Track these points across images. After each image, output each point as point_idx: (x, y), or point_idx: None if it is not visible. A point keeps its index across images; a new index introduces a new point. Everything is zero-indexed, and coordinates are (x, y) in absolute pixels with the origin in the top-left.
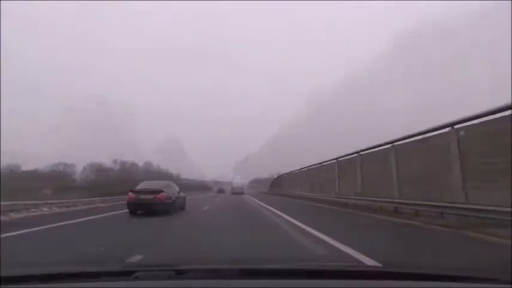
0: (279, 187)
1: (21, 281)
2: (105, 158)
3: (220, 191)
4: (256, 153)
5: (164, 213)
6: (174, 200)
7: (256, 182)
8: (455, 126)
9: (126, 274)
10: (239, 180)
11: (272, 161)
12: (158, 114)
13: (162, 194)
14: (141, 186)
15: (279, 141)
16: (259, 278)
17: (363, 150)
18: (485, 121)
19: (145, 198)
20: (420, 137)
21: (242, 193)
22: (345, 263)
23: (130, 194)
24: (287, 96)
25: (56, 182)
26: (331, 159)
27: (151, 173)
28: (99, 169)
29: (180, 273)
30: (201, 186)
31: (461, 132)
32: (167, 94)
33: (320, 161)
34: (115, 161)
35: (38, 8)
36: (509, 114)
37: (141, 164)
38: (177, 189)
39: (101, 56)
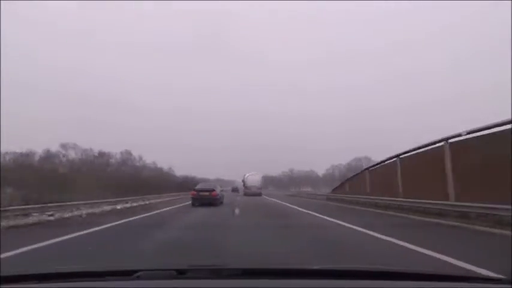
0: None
1: (21, 280)
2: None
3: (235, 190)
4: (264, 150)
5: (213, 205)
6: (220, 196)
7: (266, 181)
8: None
9: (127, 274)
10: (255, 177)
11: (282, 158)
12: (156, 111)
13: (215, 192)
14: (199, 186)
15: (287, 136)
16: (260, 278)
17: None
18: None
19: (204, 195)
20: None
21: (260, 194)
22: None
23: (193, 192)
24: (290, 89)
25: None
26: None
27: (131, 167)
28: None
29: (181, 273)
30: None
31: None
32: (168, 91)
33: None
34: (64, 146)
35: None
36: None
37: (118, 155)
38: (220, 188)
39: (101, 53)
